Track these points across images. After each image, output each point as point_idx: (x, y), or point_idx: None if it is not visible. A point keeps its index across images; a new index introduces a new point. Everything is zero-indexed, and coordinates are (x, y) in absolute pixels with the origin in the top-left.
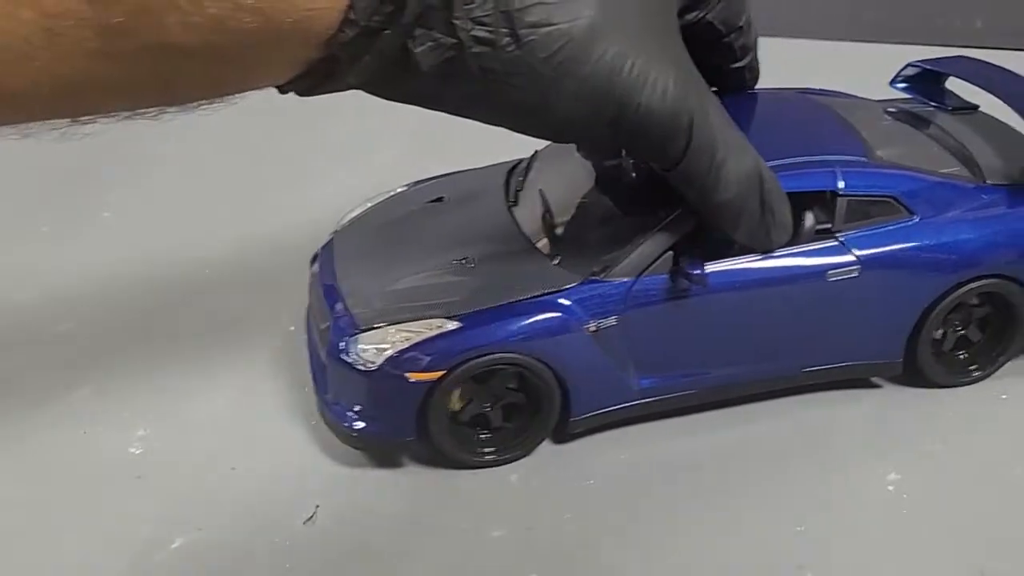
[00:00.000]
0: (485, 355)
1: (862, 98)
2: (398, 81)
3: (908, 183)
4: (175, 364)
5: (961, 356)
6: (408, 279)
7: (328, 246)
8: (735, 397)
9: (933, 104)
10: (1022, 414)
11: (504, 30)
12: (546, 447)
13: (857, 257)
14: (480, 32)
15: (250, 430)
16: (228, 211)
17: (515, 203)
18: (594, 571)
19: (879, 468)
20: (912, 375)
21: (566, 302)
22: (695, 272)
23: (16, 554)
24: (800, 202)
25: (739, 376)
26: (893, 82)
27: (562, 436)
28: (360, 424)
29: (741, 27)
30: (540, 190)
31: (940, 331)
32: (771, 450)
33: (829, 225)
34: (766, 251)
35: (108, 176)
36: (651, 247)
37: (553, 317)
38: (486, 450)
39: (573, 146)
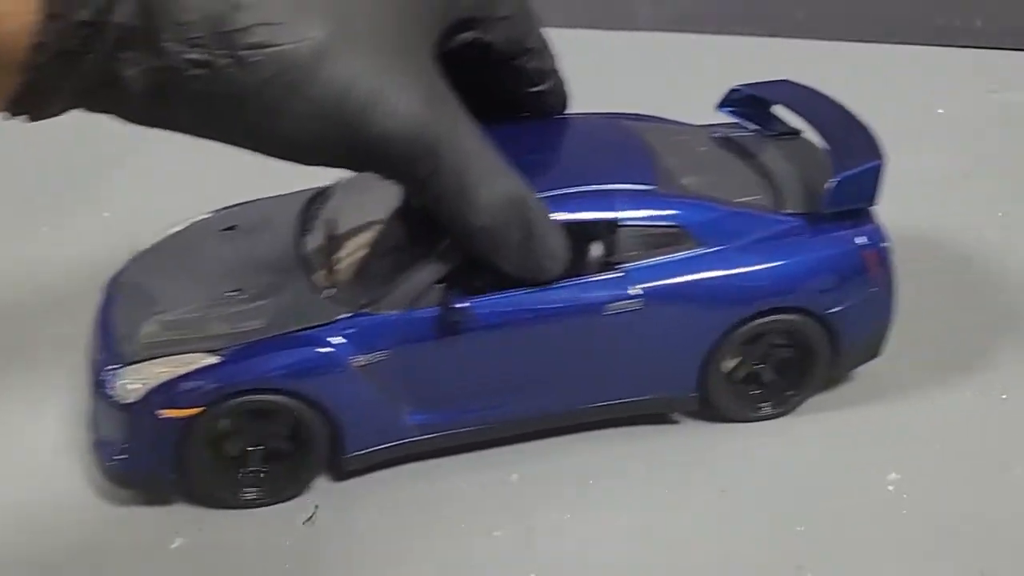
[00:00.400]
0: (245, 391)
1: (684, 124)
2: (117, 104)
3: (696, 212)
4: None
5: (755, 391)
6: (179, 311)
7: (118, 274)
8: (529, 432)
9: (757, 129)
10: (1022, 414)
11: (222, 52)
12: (547, 447)
13: (640, 289)
14: (195, 55)
15: None
16: None
17: (305, 232)
18: (594, 571)
19: (879, 468)
20: (708, 409)
21: (333, 336)
22: (458, 306)
23: (15, 554)
24: (582, 232)
25: (523, 411)
26: (720, 106)
27: (340, 473)
28: (122, 462)
29: (531, 50)
30: (331, 219)
31: (733, 364)
32: (768, 449)
33: (612, 256)
34: (538, 282)
35: (108, 176)
36: (420, 279)
37: (317, 352)
38: (250, 490)
39: None
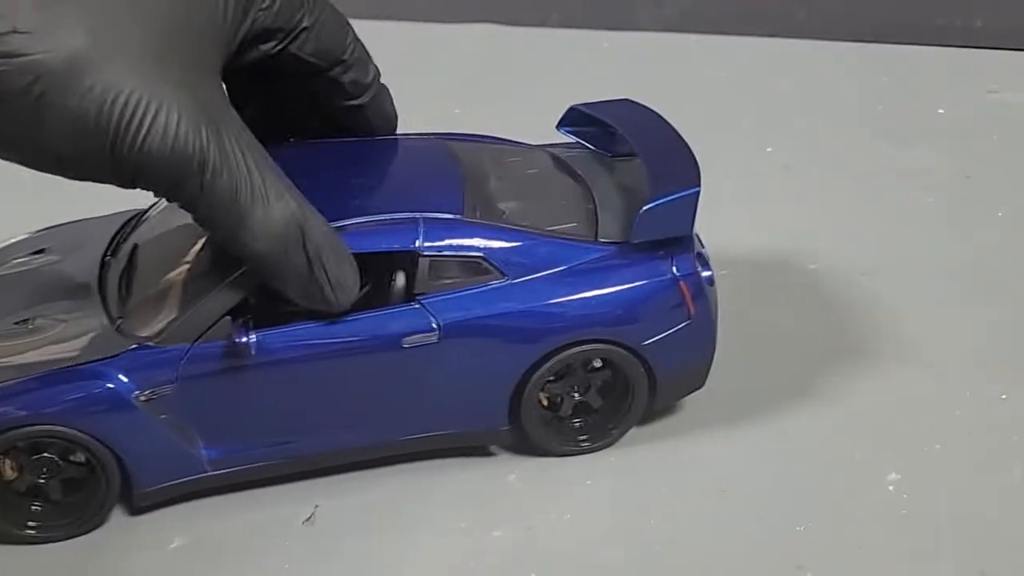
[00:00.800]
0: (21, 427)
1: (521, 144)
2: None
3: (500, 242)
4: None
5: (575, 424)
6: None
7: None
8: (339, 464)
9: (595, 150)
10: (1022, 414)
11: None
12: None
13: (436, 322)
14: None
15: None
16: None
17: (110, 258)
18: (594, 571)
19: (879, 468)
20: (524, 442)
21: (116, 370)
22: (241, 340)
23: (15, 554)
24: (379, 262)
25: (328, 445)
26: (559, 126)
27: (134, 507)
28: None
29: (344, 61)
30: (137, 244)
31: (547, 398)
32: (768, 449)
33: (410, 288)
34: (327, 312)
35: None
36: (205, 311)
37: (98, 387)
38: (34, 524)
39: None
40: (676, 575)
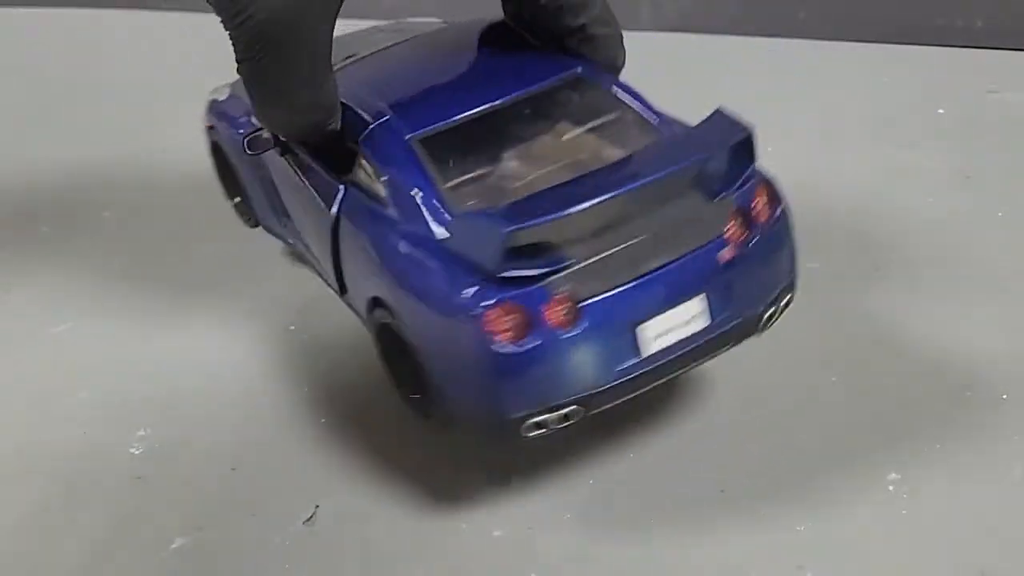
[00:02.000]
0: None
1: (652, 114)
2: None
3: (398, 178)
4: (175, 365)
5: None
6: None
7: None
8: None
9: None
10: (1022, 414)
11: None
12: (547, 447)
13: (336, 208)
14: None
15: (250, 430)
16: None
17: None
18: (594, 571)
19: (879, 468)
20: None
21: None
22: (241, 133)
23: (16, 554)
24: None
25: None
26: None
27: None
28: None
29: None
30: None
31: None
32: (768, 449)
33: (352, 172)
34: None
35: (109, 176)
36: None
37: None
38: None
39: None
40: (676, 575)
